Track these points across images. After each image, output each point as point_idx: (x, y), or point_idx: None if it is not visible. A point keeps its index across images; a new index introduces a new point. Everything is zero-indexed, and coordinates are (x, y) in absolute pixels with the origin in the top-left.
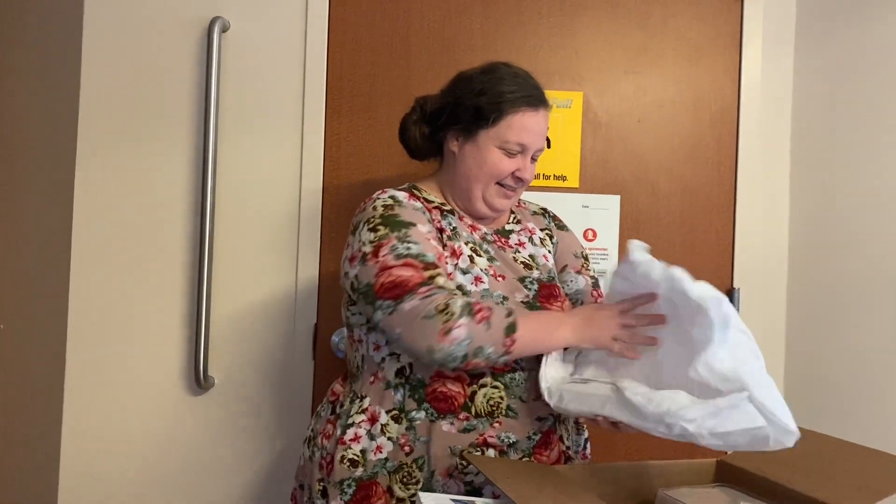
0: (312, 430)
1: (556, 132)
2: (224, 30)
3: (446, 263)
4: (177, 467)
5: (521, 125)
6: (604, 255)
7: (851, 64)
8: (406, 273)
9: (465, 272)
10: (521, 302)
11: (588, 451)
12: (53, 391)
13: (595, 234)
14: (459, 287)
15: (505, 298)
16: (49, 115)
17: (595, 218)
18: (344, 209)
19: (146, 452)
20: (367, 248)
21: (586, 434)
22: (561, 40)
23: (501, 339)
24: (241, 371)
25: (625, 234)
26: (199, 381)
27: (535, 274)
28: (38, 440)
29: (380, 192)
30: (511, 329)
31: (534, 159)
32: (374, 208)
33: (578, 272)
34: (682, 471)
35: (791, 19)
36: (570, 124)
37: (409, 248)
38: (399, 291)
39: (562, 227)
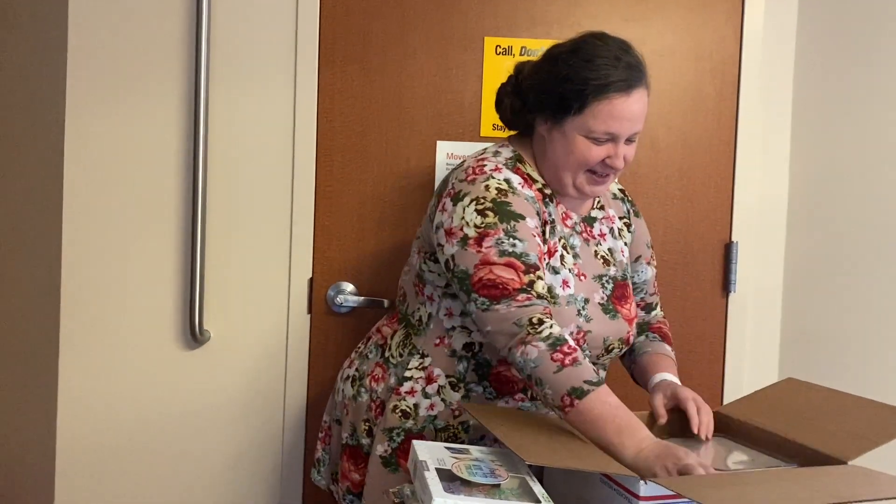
0: (358, 371)
1: None
2: None
3: (544, 261)
4: (173, 422)
5: (608, 114)
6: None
7: (856, 13)
8: (506, 275)
9: (556, 272)
10: (598, 303)
11: None
12: (49, 349)
13: None
14: (549, 289)
15: (586, 301)
16: (37, 70)
17: None
18: (339, 157)
19: (142, 407)
20: (471, 232)
21: None
22: None
23: (561, 394)
24: (237, 324)
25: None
26: (194, 334)
27: (612, 271)
28: (34, 399)
29: (493, 167)
30: (580, 393)
31: (631, 141)
32: (487, 188)
33: (648, 263)
34: (677, 421)
35: None
36: None
37: (514, 246)
38: (497, 293)
39: (637, 213)
